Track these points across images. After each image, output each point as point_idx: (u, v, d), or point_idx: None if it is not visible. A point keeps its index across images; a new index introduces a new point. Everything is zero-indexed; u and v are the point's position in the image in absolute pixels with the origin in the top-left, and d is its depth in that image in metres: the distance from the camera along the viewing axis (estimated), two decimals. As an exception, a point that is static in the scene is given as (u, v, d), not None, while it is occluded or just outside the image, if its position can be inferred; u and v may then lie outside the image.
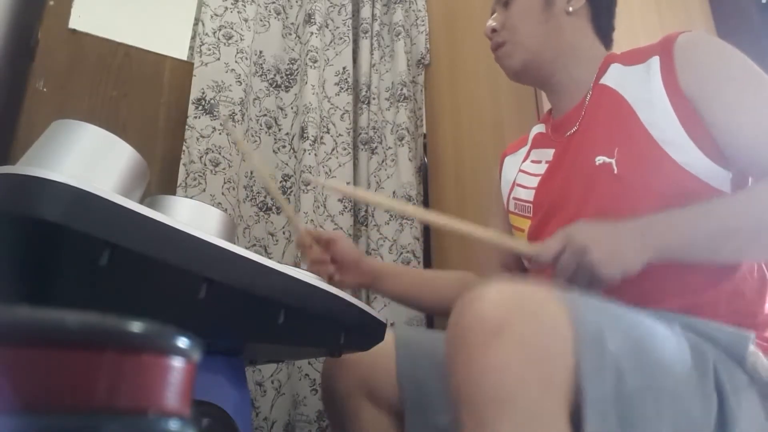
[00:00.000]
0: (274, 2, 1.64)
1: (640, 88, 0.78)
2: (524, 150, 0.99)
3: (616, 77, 0.83)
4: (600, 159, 0.78)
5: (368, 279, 0.97)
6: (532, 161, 0.94)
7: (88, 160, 0.58)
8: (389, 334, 0.90)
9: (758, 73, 0.74)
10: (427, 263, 1.54)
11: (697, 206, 0.68)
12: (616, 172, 0.75)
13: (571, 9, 0.88)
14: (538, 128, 0.99)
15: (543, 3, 0.88)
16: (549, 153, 0.90)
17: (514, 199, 0.95)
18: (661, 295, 0.71)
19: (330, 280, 0.88)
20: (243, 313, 0.67)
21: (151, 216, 0.53)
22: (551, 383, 0.49)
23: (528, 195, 0.91)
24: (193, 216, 0.68)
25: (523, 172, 0.95)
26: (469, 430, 0.49)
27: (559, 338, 0.51)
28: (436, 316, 1.37)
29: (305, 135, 1.49)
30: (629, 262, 0.64)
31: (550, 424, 0.48)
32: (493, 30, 0.92)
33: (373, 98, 1.69)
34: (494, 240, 0.76)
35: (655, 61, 0.78)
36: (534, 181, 0.90)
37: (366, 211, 1.58)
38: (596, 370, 0.50)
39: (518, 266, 0.97)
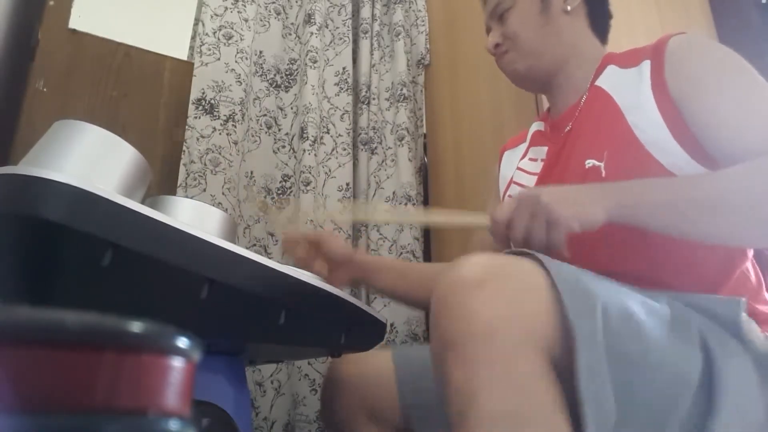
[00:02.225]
0: (274, 2, 1.64)
1: (631, 91, 0.78)
2: (523, 147, 1.00)
3: (610, 80, 0.83)
4: (590, 162, 0.78)
5: (360, 273, 0.96)
6: (530, 159, 0.94)
7: (91, 160, 0.58)
8: (386, 355, 0.90)
9: (745, 70, 0.73)
10: (427, 262, 1.54)
11: (664, 178, 0.67)
12: (603, 175, 0.76)
13: (569, 8, 0.88)
14: (537, 126, 0.99)
15: (540, 6, 0.89)
16: (544, 151, 0.91)
17: (510, 197, 0.95)
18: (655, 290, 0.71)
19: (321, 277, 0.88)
20: (244, 313, 0.67)
21: (153, 216, 0.53)
22: (530, 327, 0.51)
23: None
24: (194, 216, 0.68)
25: (520, 170, 0.95)
26: (452, 368, 0.51)
27: (537, 290, 0.53)
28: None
29: (305, 135, 1.49)
30: (586, 211, 0.62)
31: (527, 360, 0.50)
32: (496, 45, 0.92)
33: (373, 98, 1.69)
34: (453, 221, 0.76)
35: (646, 65, 0.78)
36: (530, 180, 0.91)
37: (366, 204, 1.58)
38: (582, 306, 0.52)
39: None
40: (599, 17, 0.92)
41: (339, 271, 0.94)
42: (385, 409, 0.86)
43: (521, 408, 0.48)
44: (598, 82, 0.85)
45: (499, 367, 0.49)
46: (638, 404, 0.53)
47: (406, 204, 1.53)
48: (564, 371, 0.51)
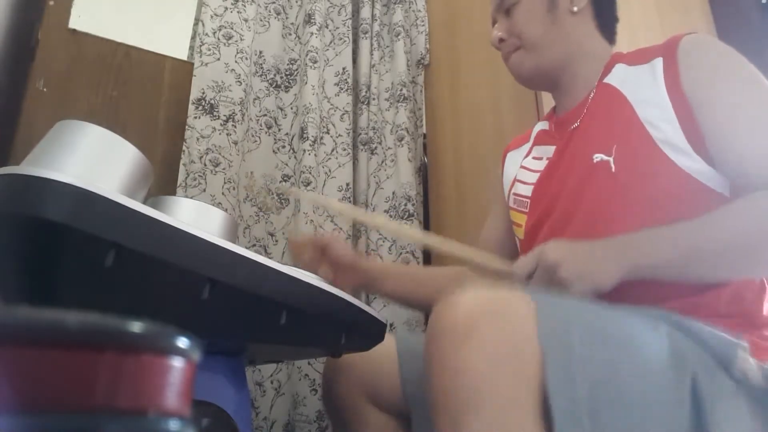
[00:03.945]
0: (274, 2, 1.64)
1: (643, 88, 0.78)
2: (526, 146, 0.99)
3: (620, 77, 0.83)
4: (598, 156, 0.78)
5: (364, 280, 0.96)
6: (534, 158, 0.94)
7: (93, 160, 0.58)
8: (389, 338, 0.90)
9: (759, 82, 0.74)
10: (427, 263, 1.54)
11: (671, 226, 0.68)
12: (613, 170, 0.76)
13: (575, 9, 0.87)
14: (542, 125, 0.99)
15: (547, 5, 0.88)
16: (550, 150, 0.90)
17: (514, 194, 0.95)
18: (661, 296, 0.71)
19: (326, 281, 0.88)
20: (245, 314, 0.67)
21: (156, 217, 0.53)
22: (520, 380, 0.50)
23: (526, 191, 0.91)
24: (195, 216, 0.68)
25: (524, 168, 0.95)
26: (443, 425, 0.51)
27: (525, 335, 0.52)
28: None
29: (305, 135, 1.49)
30: (599, 280, 0.65)
31: (520, 423, 0.49)
32: (501, 39, 0.92)
33: (373, 98, 1.69)
34: (474, 259, 0.78)
35: (658, 63, 0.78)
36: (533, 177, 0.91)
37: (366, 211, 1.58)
38: (561, 365, 0.52)
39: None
40: (607, 19, 0.92)
41: (344, 276, 0.94)
42: (387, 393, 0.86)
43: None
44: (606, 80, 0.85)
45: (489, 427, 0.49)
46: None
47: (405, 204, 1.53)
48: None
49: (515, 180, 0.96)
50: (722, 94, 0.73)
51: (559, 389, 0.50)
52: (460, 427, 0.49)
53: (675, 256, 0.67)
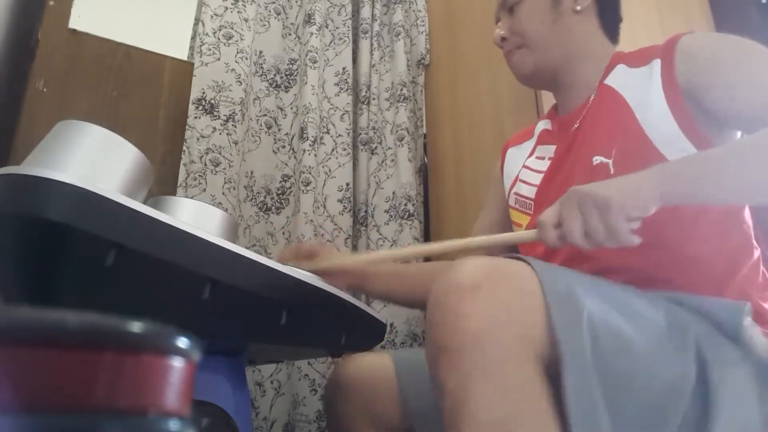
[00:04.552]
0: (274, 2, 1.64)
1: (641, 90, 0.78)
2: (529, 144, 0.99)
3: (619, 79, 0.83)
4: (597, 159, 0.78)
5: (358, 280, 0.95)
6: (537, 157, 0.94)
7: (94, 161, 0.58)
8: (387, 359, 0.89)
9: (754, 44, 0.74)
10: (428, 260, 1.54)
11: (700, 152, 0.67)
12: (612, 172, 0.76)
13: (578, 8, 0.88)
14: (544, 124, 0.99)
15: (551, 3, 0.88)
16: (552, 149, 0.90)
17: (516, 194, 0.95)
18: (657, 272, 0.71)
19: None
20: (246, 314, 0.67)
21: (156, 217, 0.53)
22: (522, 333, 0.51)
23: (530, 192, 0.91)
24: (196, 217, 0.68)
25: (526, 168, 0.95)
26: (445, 373, 0.51)
27: (530, 296, 0.53)
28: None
29: (305, 135, 1.49)
30: (642, 201, 0.58)
31: (519, 366, 0.50)
32: (503, 38, 0.92)
33: (373, 98, 1.69)
34: (495, 241, 0.75)
35: (656, 64, 0.78)
36: (536, 178, 0.91)
37: (365, 211, 1.58)
38: (569, 323, 0.52)
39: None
40: (610, 19, 0.92)
41: (336, 279, 0.94)
42: (388, 416, 0.86)
43: (512, 414, 0.49)
44: (607, 81, 0.85)
45: (492, 376, 0.49)
46: (628, 418, 0.52)
47: (405, 204, 1.53)
48: (558, 375, 0.51)
49: (518, 179, 0.96)
50: (726, 65, 0.73)
51: (567, 335, 0.51)
52: (462, 366, 0.50)
53: (713, 173, 0.63)
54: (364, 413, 0.87)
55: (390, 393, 0.86)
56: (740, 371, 0.59)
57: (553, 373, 0.51)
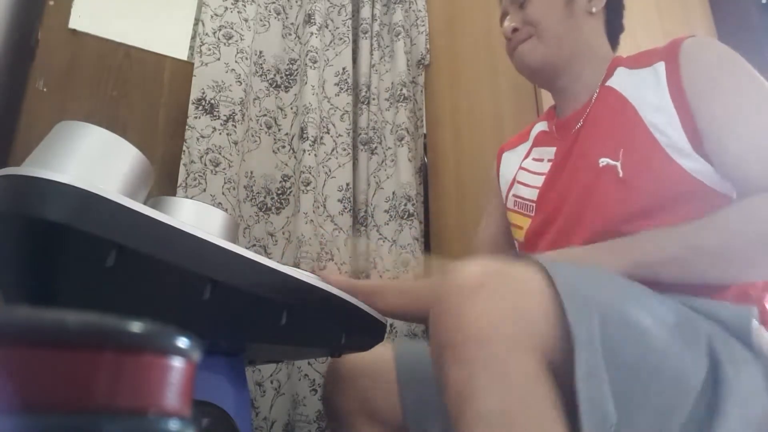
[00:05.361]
0: (274, 2, 1.64)
1: (646, 91, 0.78)
2: (524, 147, 0.99)
3: (621, 80, 0.83)
4: (604, 161, 0.78)
5: (361, 298, 0.96)
6: (534, 159, 0.94)
7: (94, 161, 0.58)
8: (388, 351, 0.89)
9: (759, 85, 0.74)
10: (428, 260, 1.54)
11: (671, 227, 0.68)
12: (621, 175, 0.75)
13: (594, 10, 0.89)
14: (541, 126, 0.98)
15: (564, 1, 0.89)
16: (551, 151, 0.90)
17: (514, 196, 0.95)
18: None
19: None
20: (246, 314, 0.67)
21: (157, 218, 0.53)
22: (526, 327, 0.52)
23: (531, 194, 0.91)
24: (197, 217, 0.68)
25: (524, 169, 0.95)
26: (449, 367, 0.52)
27: (535, 293, 0.54)
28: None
29: (305, 135, 1.49)
30: None
31: (523, 359, 0.50)
32: (515, 29, 0.92)
33: (373, 98, 1.69)
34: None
35: (661, 66, 0.78)
36: (537, 180, 0.90)
37: (365, 211, 1.58)
38: (580, 311, 0.52)
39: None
40: (615, 26, 0.94)
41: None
42: (385, 409, 0.86)
43: (516, 409, 0.49)
44: (608, 83, 0.85)
45: (495, 369, 0.50)
46: (638, 408, 0.53)
47: (405, 204, 1.53)
48: (563, 375, 0.51)
49: (515, 181, 0.96)
50: (721, 96, 0.73)
51: (578, 324, 0.51)
52: (465, 361, 0.50)
53: (673, 255, 0.66)
54: (362, 406, 0.87)
55: (389, 386, 0.87)
56: (753, 369, 0.59)
57: (559, 367, 0.51)
